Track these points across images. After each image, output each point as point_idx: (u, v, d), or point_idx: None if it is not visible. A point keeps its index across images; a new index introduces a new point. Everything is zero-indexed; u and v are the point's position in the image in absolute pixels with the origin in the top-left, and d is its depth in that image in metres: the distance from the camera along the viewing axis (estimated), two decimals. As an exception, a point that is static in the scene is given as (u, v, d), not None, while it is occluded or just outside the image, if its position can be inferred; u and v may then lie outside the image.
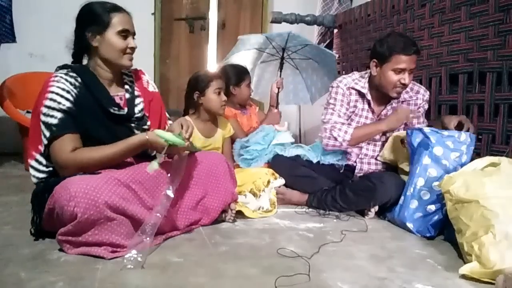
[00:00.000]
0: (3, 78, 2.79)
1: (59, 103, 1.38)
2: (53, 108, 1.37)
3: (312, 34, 3.38)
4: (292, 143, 2.24)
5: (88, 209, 1.21)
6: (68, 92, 1.40)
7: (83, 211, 1.20)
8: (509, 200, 1.29)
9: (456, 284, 1.21)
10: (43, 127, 1.38)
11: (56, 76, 1.44)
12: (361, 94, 1.94)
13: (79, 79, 1.45)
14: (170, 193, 1.36)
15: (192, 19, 3.73)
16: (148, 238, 1.26)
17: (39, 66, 3.05)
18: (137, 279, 1.13)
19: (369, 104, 1.95)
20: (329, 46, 3.23)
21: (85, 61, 1.56)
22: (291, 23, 3.02)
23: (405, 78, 1.79)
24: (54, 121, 1.36)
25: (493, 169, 1.43)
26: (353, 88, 1.95)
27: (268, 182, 1.95)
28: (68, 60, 1.56)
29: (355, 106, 1.94)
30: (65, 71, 1.46)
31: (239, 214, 1.74)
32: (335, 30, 3.13)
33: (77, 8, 1.51)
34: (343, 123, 1.91)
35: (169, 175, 1.43)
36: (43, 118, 1.38)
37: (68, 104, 1.39)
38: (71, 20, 1.54)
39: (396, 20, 2.39)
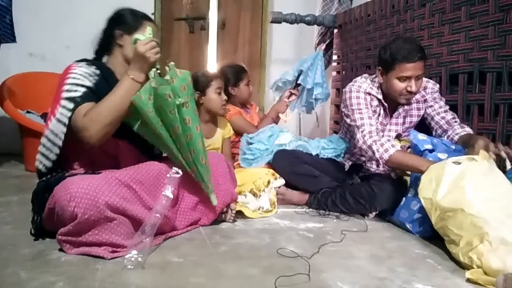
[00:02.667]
0: (3, 78, 2.79)
1: (82, 81, 1.41)
2: (76, 84, 1.40)
3: (312, 34, 3.38)
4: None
5: (88, 209, 1.21)
6: (90, 75, 1.44)
7: (83, 211, 1.20)
8: (492, 202, 1.29)
9: (456, 284, 1.21)
10: (65, 103, 1.37)
11: (77, 65, 1.48)
12: (378, 100, 1.90)
13: (98, 72, 1.48)
14: (169, 193, 1.35)
15: (192, 19, 3.73)
16: (148, 238, 1.26)
17: (39, 66, 3.06)
18: (137, 279, 1.13)
19: (384, 109, 1.91)
20: (329, 46, 3.23)
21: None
22: (291, 23, 3.02)
23: (412, 85, 1.73)
24: (77, 94, 1.38)
25: (468, 167, 1.40)
26: (370, 94, 1.88)
27: (268, 182, 1.95)
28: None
29: (374, 111, 1.89)
30: (84, 63, 1.50)
31: (239, 214, 1.74)
32: (335, 30, 3.13)
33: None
34: (377, 129, 1.81)
35: (168, 175, 1.43)
36: (66, 94, 1.38)
37: (89, 84, 1.42)
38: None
39: (396, 20, 2.38)
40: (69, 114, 1.36)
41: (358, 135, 1.80)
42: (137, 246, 1.24)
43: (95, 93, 1.41)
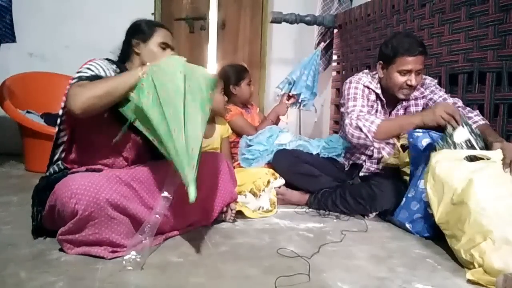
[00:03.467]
0: (3, 78, 2.79)
1: (96, 69, 1.43)
2: (89, 69, 1.42)
3: (312, 34, 3.38)
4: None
5: (89, 206, 1.21)
6: (107, 69, 1.47)
7: (84, 208, 1.21)
8: (500, 201, 1.27)
9: (456, 284, 1.21)
10: (72, 81, 1.37)
11: (99, 59, 1.51)
12: (376, 94, 1.91)
13: (118, 70, 1.52)
14: (168, 194, 1.35)
15: (192, 19, 3.73)
16: (147, 239, 1.26)
17: (39, 66, 3.06)
18: (137, 279, 1.13)
19: (382, 105, 1.92)
20: (329, 46, 3.23)
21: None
22: (291, 23, 3.02)
23: (412, 79, 1.74)
24: (85, 74, 1.39)
25: (482, 164, 1.39)
26: (369, 88, 1.90)
27: (268, 182, 1.95)
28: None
29: (371, 106, 1.90)
30: (106, 60, 1.53)
31: (239, 214, 1.74)
32: (335, 30, 3.13)
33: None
34: (368, 112, 1.82)
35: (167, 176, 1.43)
36: (76, 75, 1.40)
37: (102, 74, 1.44)
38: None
39: (396, 20, 2.39)
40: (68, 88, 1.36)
41: (347, 121, 1.80)
42: (136, 246, 1.24)
43: None
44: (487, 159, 1.41)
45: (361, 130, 1.73)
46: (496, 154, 1.42)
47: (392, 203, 1.76)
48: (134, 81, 1.36)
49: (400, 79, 1.77)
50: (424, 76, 1.92)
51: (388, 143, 1.82)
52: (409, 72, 1.74)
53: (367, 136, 1.72)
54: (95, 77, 1.40)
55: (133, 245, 1.24)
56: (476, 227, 1.26)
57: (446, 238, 1.40)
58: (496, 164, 1.38)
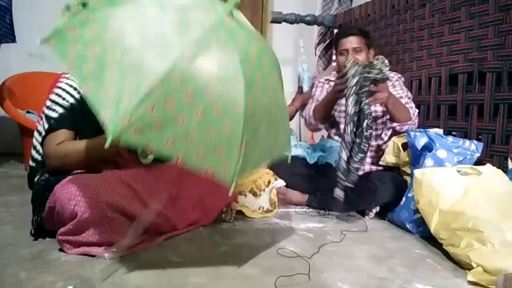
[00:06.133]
0: (3, 78, 2.80)
1: (64, 98, 1.41)
2: (56, 103, 1.41)
3: (312, 34, 3.38)
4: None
5: (88, 208, 1.21)
6: (75, 89, 1.43)
7: (83, 210, 1.20)
8: (496, 208, 1.30)
9: (456, 284, 1.21)
10: (44, 119, 1.41)
11: (67, 74, 1.47)
12: None
13: None
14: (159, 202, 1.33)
15: (192, 19, 3.72)
16: (131, 235, 1.24)
17: (39, 66, 3.06)
18: (137, 279, 1.13)
19: None
20: (329, 46, 3.23)
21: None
22: (291, 23, 3.02)
23: (349, 57, 1.88)
24: (54, 115, 1.39)
25: (475, 177, 1.44)
26: (330, 80, 2.16)
27: (269, 182, 1.95)
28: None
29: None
30: None
31: (239, 214, 1.74)
32: (335, 30, 3.13)
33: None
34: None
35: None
36: (46, 111, 1.41)
37: (72, 100, 1.41)
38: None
39: (396, 20, 2.38)
40: (43, 132, 1.39)
41: None
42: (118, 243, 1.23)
43: (75, 112, 1.39)
44: (478, 174, 1.46)
45: (305, 119, 2.09)
46: (486, 169, 1.47)
47: (393, 195, 1.77)
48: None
49: (341, 58, 1.99)
50: (393, 73, 2.06)
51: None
52: (346, 51, 1.97)
53: (310, 121, 2.05)
54: (64, 116, 1.38)
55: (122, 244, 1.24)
56: (474, 232, 1.27)
57: (443, 247, 1.40)
58: (488, 178, 1.43)
